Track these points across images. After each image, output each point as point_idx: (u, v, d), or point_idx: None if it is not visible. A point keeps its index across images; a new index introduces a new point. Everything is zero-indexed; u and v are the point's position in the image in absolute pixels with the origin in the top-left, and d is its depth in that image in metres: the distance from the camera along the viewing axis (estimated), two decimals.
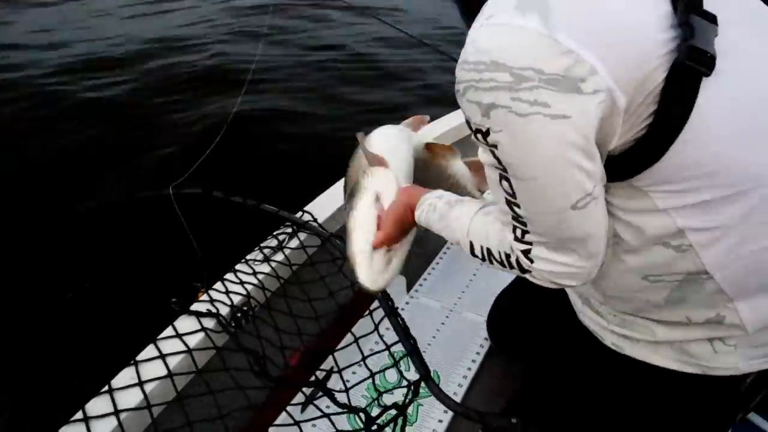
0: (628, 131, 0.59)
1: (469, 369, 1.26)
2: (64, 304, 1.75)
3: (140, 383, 0.93)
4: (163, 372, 0.96)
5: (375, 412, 0.92)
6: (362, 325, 1.16)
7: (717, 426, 0.83)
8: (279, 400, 1.06)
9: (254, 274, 1.21)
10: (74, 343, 1.64)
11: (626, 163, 0.61)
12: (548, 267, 0.68)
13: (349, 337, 1.11)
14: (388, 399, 1.10)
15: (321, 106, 3.65)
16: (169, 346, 1.01)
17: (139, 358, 0.98)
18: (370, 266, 0.87)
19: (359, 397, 1.15)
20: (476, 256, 0.80)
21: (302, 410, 1.10)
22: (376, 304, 1.20)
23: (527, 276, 0.73)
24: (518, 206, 0.65)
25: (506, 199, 0.66)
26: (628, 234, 0.67)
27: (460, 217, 0.82)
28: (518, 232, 0.68)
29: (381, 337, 1.02)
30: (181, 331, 1.04)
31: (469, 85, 0.59)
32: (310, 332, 1.21)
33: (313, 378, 1.08)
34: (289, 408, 1.05)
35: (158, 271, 1.85)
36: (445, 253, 1.66)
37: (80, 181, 2.57)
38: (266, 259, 1.25)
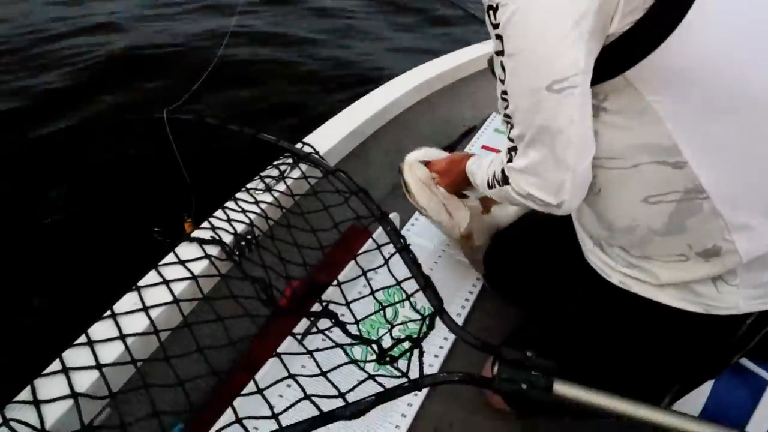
0: (630, 13, 0.58)
1: (463, 307, 1.28)
2: (49, 228, 1.66)
3: (145, 308, 0.90)
4: (168, 298, 0.92)
5: (387, 343, 0.92)
6: (368, 259, 1.14)
7: (715, 365, 0.87)
8: (287, 327, 1.05)
9: (256, 203, 1.16)
10: (70, 269, 1.57)
11: (622, 52, 0.61)
12: (521, 164, 0.71)
13: (356, 270, 1.09)
14: (397, 333, 1.11)
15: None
16: (173, 272, 0.97)
17: (141, 283, 0.94)
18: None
19: (368, 329, 1.15)
20: (490, 188, 0.87)
21: (302, 338, 1.09)
22: (381, 239, 1.19)
23: (509, 189, 0.77)
24: (506, 93, 0.68)
25: (501, 90, 0.68)
26: (623, 146, 0.68)
27: (487, 157, 0.95)
28: (508, 129, 0.72)
29: (390, 271, 1.01)
30: (184, 258, 1.00)
31: None
32: (315, 263, 1.19)
33: (320, 308, 1.07)
34: (297, 334, 1.04)
35: (147, 197, 1.76)
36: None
37: (70, 104, 2.39)
38: (268, 189, 1.20)
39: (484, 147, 1.86)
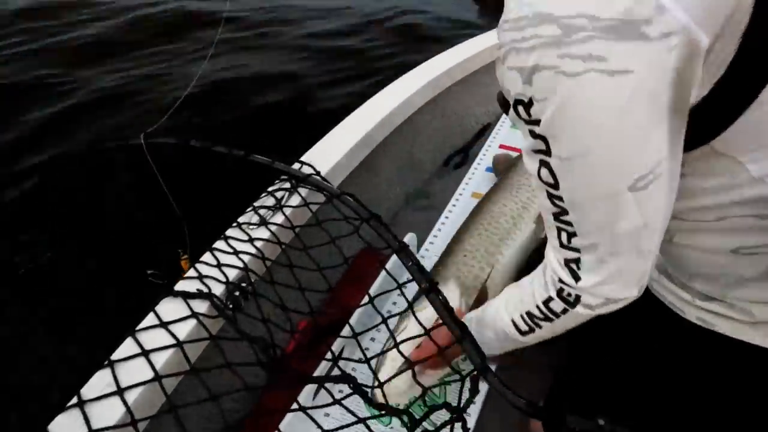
0: (711, 78, 0.47)
1: None
2: (17, 281, 1.48)
3: (119, 391, 0.73)
4: (147, 373, 0.76)
5: (419, 412, 0.74)
6: (386, 295, 0.97)
7: None
8: (291, 396, 0.88)
9: (250, 240, 0.99)
10: (30, 338, 1.38)
11: (707, 118, 0.49)
12: (596, 279, 0.59)
13: (372, 314, 0.92)
14: (431, 395, 0.93)
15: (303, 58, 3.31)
16: (153, 338, 0.80)
17: (115, 356, 0.78)
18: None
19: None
20: (524, 333, 0.74)
21: (311, 410, 0.92)
22: (398, 271, 1.01)
23: (577, 310, 0.64)
24: (561, 199, 0.55)
25: (547, 192, 0.56)
26: (711, 213, 0.57)
27: (491, 305, 0.80)
28: (564, 237, 0.59)
29: (416, 316, 0.83)
30: (166, 318, 0.83)
31: (510, 48, 0.49)
32: (320, 307, 1.02)
33: (329, 364, 0.90)
34: (302, 400, 0.87)
35: (132, 236, 1.58)
36: (454, 205, 1.46)
37: (41, 132, 2.22)
38: (263, 222, 1.03)
39: (502, 146, 1.68)
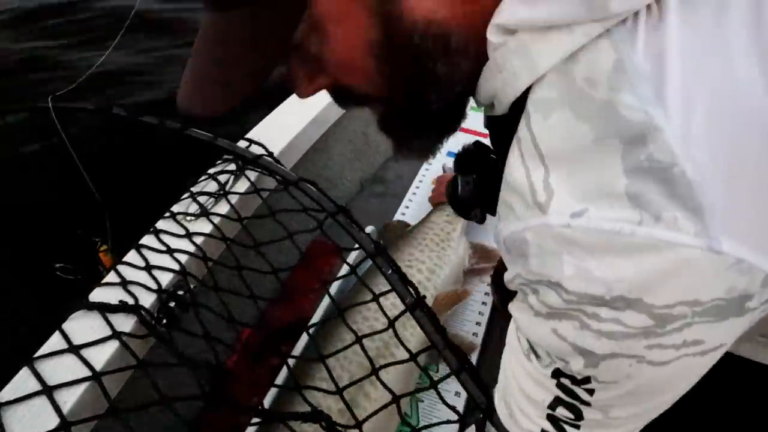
0: None
1: (475, 334, 1.01)
2: None
3: None
4: (51, 420, 0.57)
5: None
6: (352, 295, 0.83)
7: None
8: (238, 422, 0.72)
9: (188, 235, 0.80)
10: None
11: None
12: None
13: (339, 329, 0.78)
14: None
15: None
16: (59, 368, 0.61)
17: (7, 395, 0.58)
18: None
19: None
20: None
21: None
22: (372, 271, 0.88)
23: None
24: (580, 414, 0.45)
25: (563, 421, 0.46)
26: None
27: None
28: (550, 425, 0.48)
29: (399, 337, 0.70)
30: (77, 339, 0.64)
31: (558, 313, 0.40)
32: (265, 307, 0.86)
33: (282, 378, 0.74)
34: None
35: (35, 220, 1.29)
36: (414, 194, 1.34)
37: None
38: (204, 213, 0.84)
39: (460, 129, 1.56)
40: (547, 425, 0.47)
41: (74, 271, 0.96)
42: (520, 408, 0.49)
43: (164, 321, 0.70)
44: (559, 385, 0.44)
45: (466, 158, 0.82)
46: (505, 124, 0.44)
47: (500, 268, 1.09)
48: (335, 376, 0.71)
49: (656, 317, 0.35)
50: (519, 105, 0.41)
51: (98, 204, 0.94)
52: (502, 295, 1.05)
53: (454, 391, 0.86)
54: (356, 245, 0.78)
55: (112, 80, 1.89)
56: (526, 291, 0.43)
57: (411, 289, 0.70)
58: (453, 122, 0.53)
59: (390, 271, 0.73)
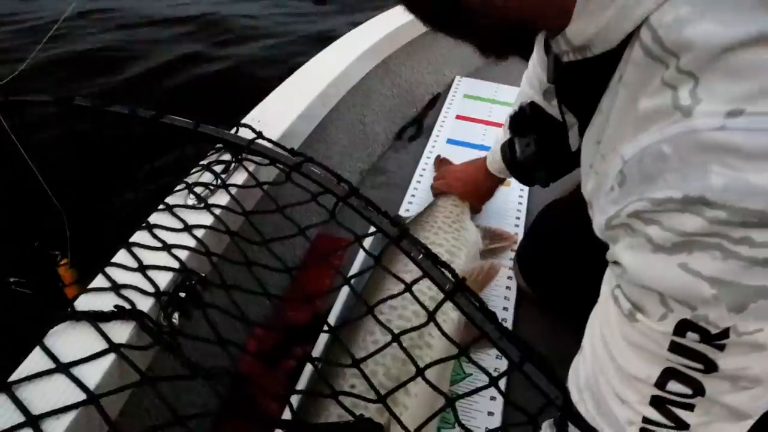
0: None
1: (504, 320, 0.93)
2: None
3: None
4: None
5: None
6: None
7: None
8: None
9: (186, 229, 0.70)
10: None
11: None
12: None
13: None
14: None
15: None
16: (43, 394, 0.50)
17: None
18: None
19: None
20: None
21: None
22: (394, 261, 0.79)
23: None
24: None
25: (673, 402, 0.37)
26: None
27: None
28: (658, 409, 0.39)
29: (441, 328, 0.60)
30: (65, 357, 0.53)
31: (690, 242, 0.32)
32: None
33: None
34: None
35: None
36: (418, 182, 1.26)
37: None
38: (204, 204, 0.74)
39: (459, 117, 1.50)
40: (651, 412, 0.38)
41: (31, 284, 0.85)
42: (616, 394, 0.40)
43: (166, 323, 0.59)
44: (677, 348, 0.36)
45: (522, 118, 0.75)
46: (600, 65, 0.41)
47: (523, 250, 1.01)
48: (368, 372, 0.61)
49: None
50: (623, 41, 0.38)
51: (57, 211, 0.83)
52: (529, 274, 0.97)
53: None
54: (372, 229, 0.69)
55: (57, 68, 1.76)
56: (639, 224, 0.35)
57: (448, 272, 0.61)
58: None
59: (420, 256, 0.64)
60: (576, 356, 0.47)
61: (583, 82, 0.46)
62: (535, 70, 0.82)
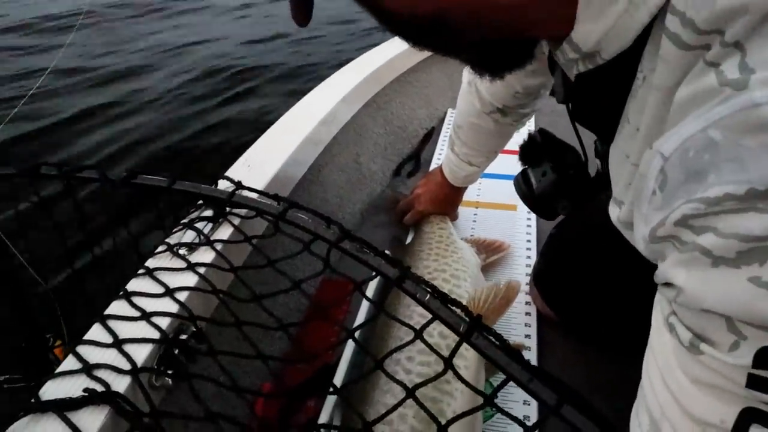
0: None
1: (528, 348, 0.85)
2: None
3: None
4: None
5: None
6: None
7: None
8: None
9: (168, 293, 0.63)
10: None
11: None
12: None
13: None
14: None
15: None
16: None
17: None
18: None
19: None
20: None
21: None
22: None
23: None
24: None
25: None
26: None
27: None
28: None
29: (462, 379, 0.52)
30: None
31: (762, 248, 0.25)
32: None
33: None
34: None
35: None
36: None
37: None
38: (188, 264, 0.67)
39: None
40: None
41: (25, 378, 0.79)
42: None
43: (148, 413, 0.52)
44: (757, 383, 0.28)
45: (533, 147, 0.70)
46: (615, 70, 0.36)
47: (540, 272, 0.94)
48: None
49: None
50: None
51: (45, 292, 0.77)
52: (549, 297, 0.90)
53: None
54: (373, 273, 0.62)
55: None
56: (688, 234, 0.28)
57: (459, 310, 0.54)
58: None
59: (427, 297, 0.57)
60: (636, 399, 0.40)
61: (599, 94, 0.41)
62: (489, 89, 0.83)
